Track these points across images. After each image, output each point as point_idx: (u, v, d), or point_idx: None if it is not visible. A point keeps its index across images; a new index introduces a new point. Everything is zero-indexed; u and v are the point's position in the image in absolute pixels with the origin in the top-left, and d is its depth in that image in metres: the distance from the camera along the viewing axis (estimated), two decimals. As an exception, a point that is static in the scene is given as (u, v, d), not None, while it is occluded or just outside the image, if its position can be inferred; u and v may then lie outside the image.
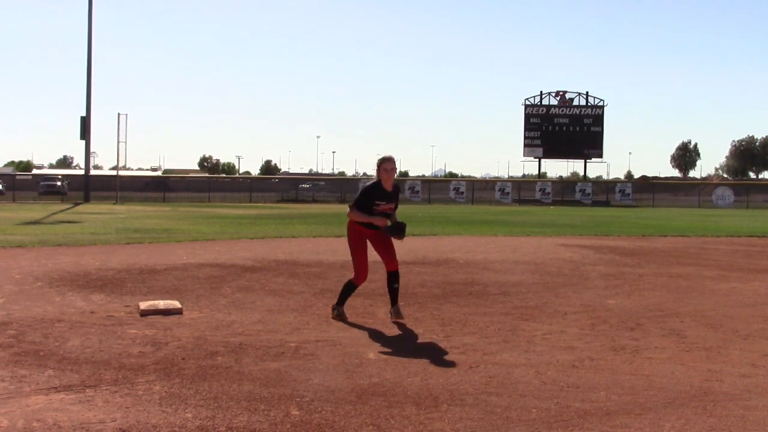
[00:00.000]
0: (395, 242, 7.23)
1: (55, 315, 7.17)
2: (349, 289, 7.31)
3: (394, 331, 6.76)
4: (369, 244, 7.19)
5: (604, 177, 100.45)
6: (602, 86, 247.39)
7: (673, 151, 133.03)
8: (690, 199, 59.67)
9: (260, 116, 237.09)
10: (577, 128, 64.57)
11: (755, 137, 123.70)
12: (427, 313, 7.73)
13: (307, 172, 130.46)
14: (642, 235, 20.01)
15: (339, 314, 7.28)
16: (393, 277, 7.19)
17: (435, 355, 5.82)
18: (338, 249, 14.37)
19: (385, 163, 7.00)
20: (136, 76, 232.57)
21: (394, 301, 7.21)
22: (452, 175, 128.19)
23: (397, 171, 7.18)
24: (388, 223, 7.10)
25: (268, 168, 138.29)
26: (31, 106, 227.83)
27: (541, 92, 65.09)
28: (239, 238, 16.94)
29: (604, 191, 60.26)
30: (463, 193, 57.53)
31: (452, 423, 4.19)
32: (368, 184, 7.09)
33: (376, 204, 6.97)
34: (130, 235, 17.18)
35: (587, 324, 7.22)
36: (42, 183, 56.78)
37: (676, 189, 68.04)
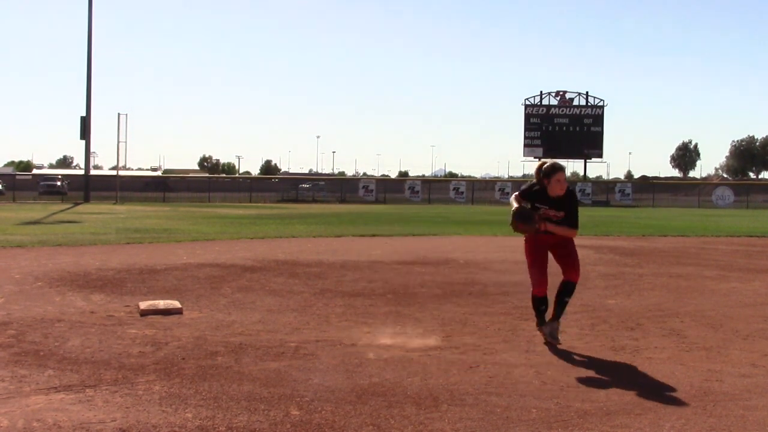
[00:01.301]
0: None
1: (55, 315, 7.17)
2: (538, 303, 6.44)
3: (394, 331, 6.76)
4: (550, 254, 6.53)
5: (604, 177, 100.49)
6: (602, 86, 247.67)
7: (673, 151, 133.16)
8: (690, 199, 59.68)
9: (260, 116, 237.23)
10: (577, 128, 64.57)
11: (755, 137, 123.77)
12: (427, 313, 7.73)
13: (307, 172, 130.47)
14: (642, 235, 20.01)
15: (550, 334, 6.31)
16: (566, 288, 6.39)
17: (435, 355, 5.82)
18: (338, 249, 14.38)
19: (556, 174, 6.25)
20: (136, 76, 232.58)
21: (557, 314, 6.39)
22: (452, 175, 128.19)
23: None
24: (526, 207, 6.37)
25: (268, 168, 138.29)
26: (31, 106, 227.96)
27: (541, 92, 65.10)
28: (239, 238, 16.94)
29: (604, 191, 60.27)
30: (463, 193, 57.54)
31: (452, 423, 4.19)
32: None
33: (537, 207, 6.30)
34: (130, 235, 17.18)
35: (587, 324, 7.22)
36: (42, 183, 56.80)
37: (676, 189, 68.07)
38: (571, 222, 6.33)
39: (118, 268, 10.70)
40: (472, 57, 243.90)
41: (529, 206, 6.38)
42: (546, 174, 6.29)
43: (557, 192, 6.27)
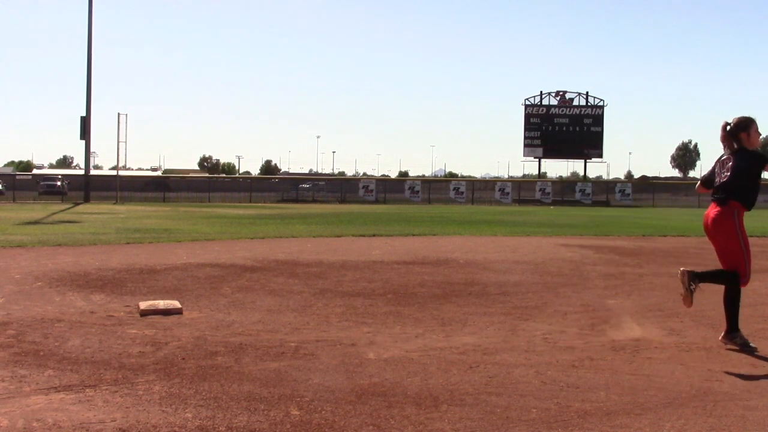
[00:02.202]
0: None
1: (55, 315, 7.17)
2: (736, 299, 6.06)
3: (394, 331, 6.76)
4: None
5: (604, 177, 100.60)
6: (602, 86, 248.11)
7: (673, 151, 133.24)
8: (690, 199, 59.61)
9: (260, 116, 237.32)
10: (577, 128, 64.60)
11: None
12: (427, 313, 7.73)
13: (307, 172, 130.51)
14: (642, 235, 20.01)
15: (742, 342, 6.01)
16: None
17: (435, 355, 5.82)
18: (338, 249, 14.37)
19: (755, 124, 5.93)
20: (136, 76, 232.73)
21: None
22: (452, 175, 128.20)
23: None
24: None
25: (268, 168, 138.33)
26: (31, 106, 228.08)
27: (541, 92, 65.18)
28: (239, 238, 16.94)
29: (604, 191, 60.26)
30: (463, 193, 57.54)
31: (452, 423, 4.19)
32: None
33: None
34: (130, 235, 17.17)
35: (587, 324, 7.22)
36: (42, 183, 56.80)
37: (676, 189, 68.02)
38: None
39: (118, 268, 10.70)
40: (472, 57, 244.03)
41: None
42: (744, 127, 5.96)
43: (757, 144, 6.01)
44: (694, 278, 6.06)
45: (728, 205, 6.02)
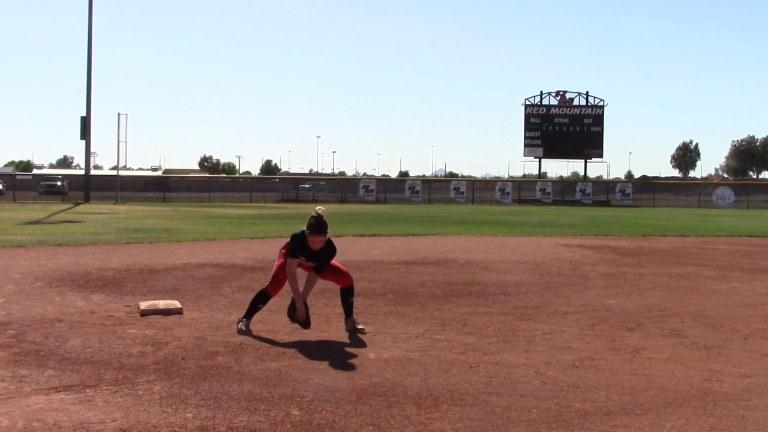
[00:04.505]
0: None
1: (55, 315, 7.17)
2: (264, 300, 6.84)
3: (395, 331, 6.76)
4: None
5: (605, 177, 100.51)
6: (602, 86, 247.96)
7: (673, 151, 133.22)
8: (690, 199, 59.68)
9: (260, 116, 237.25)
10: (577, 128, 64.58)
11: (755, 137, 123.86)
12: (427, 313, 7.73)
13: (307, 172, 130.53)
14: (642, 235, 20.01)
15: (354, 328, 6.69)
16: (346, 293, 6.82)
17: (435, 355, 5.82)
18: (338, 249, 14.35)
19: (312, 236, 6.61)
20: (136, 76, 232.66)
21: (349, 314, 6.82)
22: (452, 175, 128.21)
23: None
24: None
25: (269, 168, 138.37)
26: (31, 106, 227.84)
27: (541, 92, 65.14)
28: (239, 238, 16.94)
29: (605, 191, 60.27)
30: (463, 193, 57.56)
31: (452, 423, 4.19)
32: None
33: None
34: (130, 235, 17.18)
35: (587, 324, 7.22)
36: (42, 183, 56.82)
37: (677, 189, 68.07)
38: (318, 269, 6.71)
39: (119, 268, 10.70)
40: (471, 57, 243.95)
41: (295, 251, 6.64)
42: (308, 231, 6.53)
43: (316, 248, 6.57)
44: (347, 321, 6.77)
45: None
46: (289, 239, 6.74)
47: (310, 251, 6.59)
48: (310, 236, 6.50)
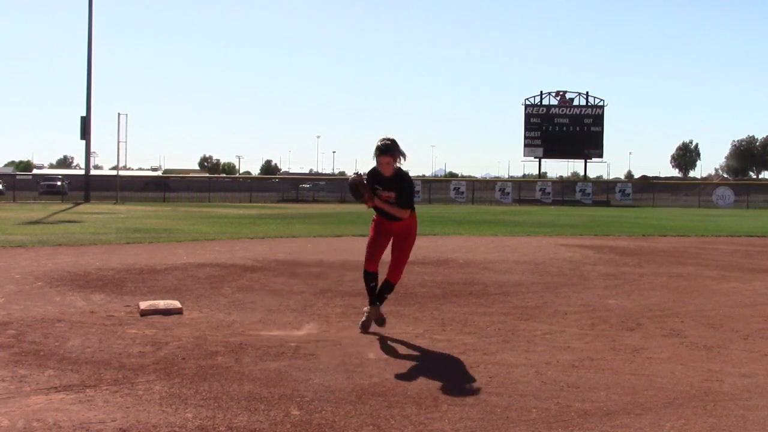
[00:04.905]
0: None
1: (55, 315, 7.17)
2: (368, 279, 6.85)
3: (394, 331, 6.76)
4: None
5: (605, 177, 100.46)
6: (602, 86, 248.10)
7: (673, 151, 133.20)
8: (690, 199, 59.68)
9: (260, 116, 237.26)
10: (577, 128, 64.58)
11: (755, 137, 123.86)
12: (427, 313, 7.73)
13: (307, 172, 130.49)
14: (642, 235, 20.00)
15: (370, 320, 6.80)
16: (386, 286, 6.90)
17: (435, 355, 5.82)
18: (338, 249, 14.37)
19: (378, 158, 6.48)
20: (136, 76, 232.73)
21: (374, 301, 6.86)
22: (452, 175, 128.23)
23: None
24: None
25: (269, 168, 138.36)
26: (31, 106, 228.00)
27: (541, 92, 65.14)
28: (239, 238, 16.94)
29: (605, 191, 60.27)
30: (463, 193, 57.56)
31: (452, 423, 4.19)
32: None
33: None
34: (130, 235, 17.18)
35: (587, 324, 7.22)
36: (42, 183, 56.83)
37: (677, 189, 68.06)
38: (401, 202, 6.53)
39: (118, 268, 10.70)
40: (471, 57, 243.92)
41: (365, 181, 6.57)
42: (374, 155, 6.48)
43: (386, 173, 6.48)
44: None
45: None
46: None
47: (383, 178, 6.49)
48: (377, 158, 6.42)
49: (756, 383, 5.14)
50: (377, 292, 6.76)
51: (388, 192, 6.53)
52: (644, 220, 28.76)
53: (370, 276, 6.74)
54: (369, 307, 6.78)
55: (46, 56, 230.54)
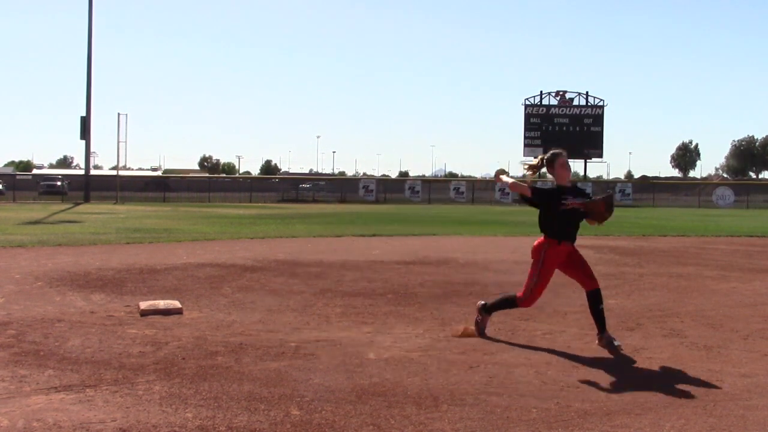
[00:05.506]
0: None
1: (55, 315, 7.17)
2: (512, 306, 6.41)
3: (395, 331, 6.76)
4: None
5: (604, 177, 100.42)
6: (602, 86, 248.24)
7: (673, 151, 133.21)
8: (690, 199, 59.67)
9: (260, 116, 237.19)
10: (577, 128, 64.57)
11: (755, 137, 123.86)
12: (427, 313, 7.73)
13: (307, 172, 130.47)
14: (642, 235, 20.01)
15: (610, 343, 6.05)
16: (596, 298, 6.21)
17: (435, 355, 5.82)
18: (338, 249, 14.38)
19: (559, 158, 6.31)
20: (136, 76, 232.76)
21: (603, 327, 6.17)
22: (452, 175, 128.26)
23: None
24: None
25: (268, 168, 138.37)
26: (31, 106, 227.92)
27: (541, 92, 65.11)
28: (239, 238, 16.95)
29: (605, 191, 60.22)
30: (463, 193, 57.54)
31: (452, 423, 4.19)
32: None
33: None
34: (130, 235, 17.18)
35: (587, 324, 7.20)
36: (42, 183, 56.81)
37: (677, 189, 68.04)
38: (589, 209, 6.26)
39: (118, 268, 10.70)
40: (471, 57, 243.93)
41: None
42: (549, 162, 6.27)
43: (567, 178, 6.26)
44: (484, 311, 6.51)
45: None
46: (540, 243, 6.24)
47: (566, 188, 6.21)
48: (558, 160, 6.21)
49: (756, 383, 5.14)
50: (598, 315, 6.16)
51: (577, 201, 6.22)
52: (644, 220, 28.76)
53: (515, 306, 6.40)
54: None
55: (46, 56, 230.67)
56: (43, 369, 5.18)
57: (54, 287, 8.89)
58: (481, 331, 6.48)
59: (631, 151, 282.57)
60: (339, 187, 60.68)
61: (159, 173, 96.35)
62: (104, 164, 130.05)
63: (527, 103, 64.99)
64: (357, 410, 4.39)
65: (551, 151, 6.42)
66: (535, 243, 6.33)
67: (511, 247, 15.28)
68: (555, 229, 6.17)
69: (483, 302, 6.61)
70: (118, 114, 45.82)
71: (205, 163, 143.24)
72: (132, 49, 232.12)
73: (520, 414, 4.36)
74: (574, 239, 6.28)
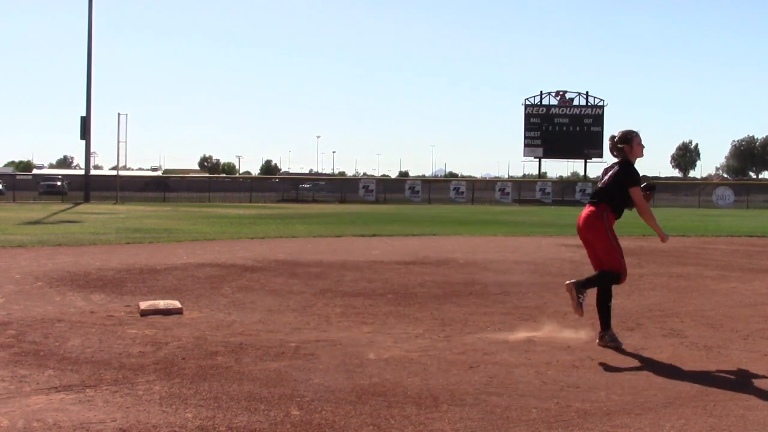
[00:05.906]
0: None
1: (55, 315, 7.17)
2: (608, 299, 6.31)
3: (395, 331, 6.76)
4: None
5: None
6: (602, 86, 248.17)
7: (673, 151, 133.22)
8: (690, 199, 59.66)
9: (260, 116, 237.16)
10: (577, 128, 64.61)
11: (755, 137, 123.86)
12: (427, 313, 7.73)
13: (307, 172, 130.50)
14: (642, 235, 20.00)
15: (611, 340, 6.21)
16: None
17: (435, 355, 5.82)
18: (338, 249, 14.38)
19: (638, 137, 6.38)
20: (136, 76, 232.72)
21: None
22: (452, 175, 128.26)
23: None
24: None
25: (268, 168, 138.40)
26: (31, 106, 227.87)
27: (541, 92, 65.19)
28: (239, 238, 16.95)
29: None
30: (463, 193, 57.57)
31: (452, 423, 4.19)
32: None
33: None
34: (130, 235, 17.18)
35: (587, 324, 7.21)
36: (42, 183, 56.82)
37: (677, 189, 68.03)
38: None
39: (118, 268, 10.70)
40: (472, 57, 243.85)
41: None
42: (627, 140, 6.31)
43: (640, 155, 6.39)
44: (580, 288, 6.19)
45: (599, 207, 6.33)
46: (602, 210, 6.25)
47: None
48: (636, 138, 6.33)
49: (756, 383, 5.14)
50: (604, 312, 6.32)
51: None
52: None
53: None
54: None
55: (46, 56, 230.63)
56: (43, 369, 5.18)
57: (54, 287, 8.89)
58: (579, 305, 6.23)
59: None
60: (339, 187, 60.70)
61: (159, 173, 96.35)
62: (104, 164, 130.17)
63: (527, 103, 65.03)
64: (357, 410, 4.39)
65: (626, 130, 6.43)
66: (584, 216, 6.36)
67: (511, 247, 15.28)
68: (622, 207, 6.39)
69: (575, 281, 6.30)
70: (118, 114, 45.89)
71: (205, 163, 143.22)
72: (132, 49, 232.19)
73: (520, 414, 4.36)
74: None
